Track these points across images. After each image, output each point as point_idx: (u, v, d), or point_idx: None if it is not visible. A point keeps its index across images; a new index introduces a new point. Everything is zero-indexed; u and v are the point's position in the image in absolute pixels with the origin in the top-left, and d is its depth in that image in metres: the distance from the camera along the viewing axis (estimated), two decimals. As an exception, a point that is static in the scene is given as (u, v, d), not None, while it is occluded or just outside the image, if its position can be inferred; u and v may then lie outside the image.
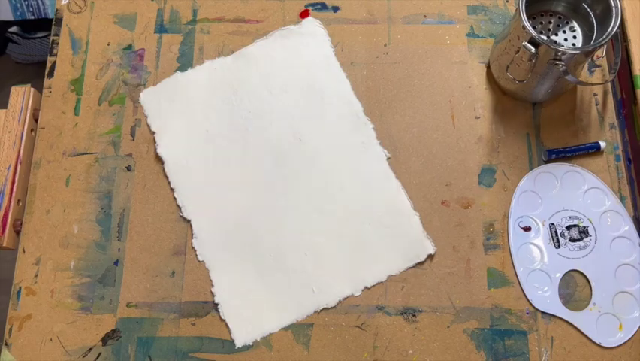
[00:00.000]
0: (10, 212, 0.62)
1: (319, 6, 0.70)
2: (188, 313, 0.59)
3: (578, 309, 0.58)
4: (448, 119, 0.65)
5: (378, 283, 0.59)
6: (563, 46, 0.56)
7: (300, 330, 0.58)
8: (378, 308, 0.58)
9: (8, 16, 1.22)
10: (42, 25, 1.26)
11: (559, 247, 0.59)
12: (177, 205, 0.62)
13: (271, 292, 0.59)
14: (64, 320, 0.59)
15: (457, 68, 0.67)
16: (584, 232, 0.60)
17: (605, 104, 0.65)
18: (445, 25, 0.69)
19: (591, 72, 0.66)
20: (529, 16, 0.56)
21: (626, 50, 0.64)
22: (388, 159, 0.63)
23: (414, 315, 0.58)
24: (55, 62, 0.68)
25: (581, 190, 0.62)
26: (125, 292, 0.60)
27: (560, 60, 0.55)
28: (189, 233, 0.61)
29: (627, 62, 0.64)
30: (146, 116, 0.66)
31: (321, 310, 0.58)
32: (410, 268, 0.59)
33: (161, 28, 0.70)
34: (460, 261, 0.60)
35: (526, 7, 0.56)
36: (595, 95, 0.66)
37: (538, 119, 0.64)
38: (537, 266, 0.59)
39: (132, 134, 0.65)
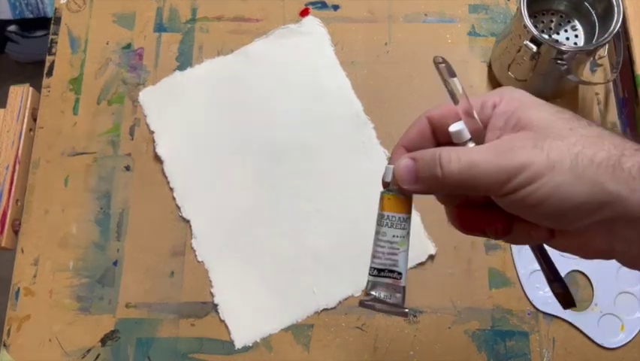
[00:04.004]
0: (9, 212, 0.61)
1: (319, 5, 0.70)
2: (187, 314, 0.58)
3: (580, 310, 0.58)
4: (448, 118, 0.64)
5: (378, 284, 0.59)
6: (564, 45, 0.55)
7: (300, 331, 0.58)
8: (379, 309, 0.58)
9: (7, 15, 1.21)
10: (41, 24, 1.26)
11: (560, 247, 0.59)
12: (176, 205, 0.62)
13: (271, 292, 0.59)
14: (63, 321, 0.59)
15: (458, 67, 0.66)
16: (585, 232, 0.60)
17: (607, 103, 0.65)
18: (446, 23, 0.68)
19: (593, 71, 0.66)
20: (531, 15, 0.55)
21: (628, 49, 0.64)
22: (389, 158, 0.63)
23: (414, 316, 0.58)
24: (53, 61, 0.68)
25: (582, 190, 0.61)
26: (124, 293, 0.59)
27: (561, 59, 0.55)
28: (188, 233, 0.61)
29: (629, 61, 0.63)
30: (145, 116, 0.65)
31: (321, 311, 0.58)
32: (411, 268, 0.59)
33: (160, 27, 0.69)
34: (461, 261, 0.59)
35: (527, 5, 0.55)
36: (597, 94, 0.65)
37: (539, 118, 0.64)
38: (538, 267, 0.59)
39: (131, 133, 0.65)
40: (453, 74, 0.34)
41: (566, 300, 0.37)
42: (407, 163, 0.33)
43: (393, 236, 0.33)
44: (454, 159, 0.31)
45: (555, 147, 0.29)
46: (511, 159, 0.29)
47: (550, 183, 0.28)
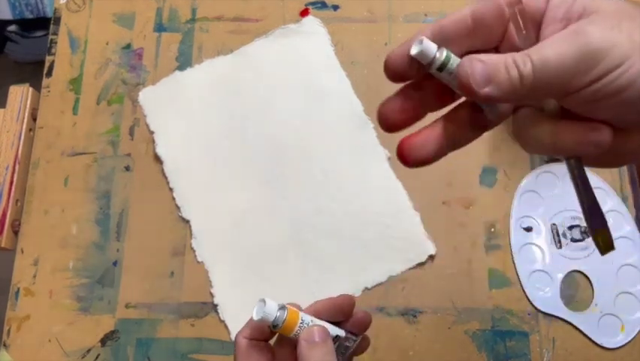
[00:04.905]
0: (9, 212, 0.61)
1: (319, 5, 0.70)
2: (187, 314, 0.58)
3: (580, 310, 0.58)
4: (448, 118, 0.64)
5: (378, 284, 0.58)
6: (564, 45, 0.55)
7: (300, 331, 0.58)
8: (379, 309, 0.58)
9: (7, 15, 1.21)
10: (41, 24, 1.26)
11: (560, 247, 0.59)
12: (176, 205, 0.62)
13: (271, 293, 0.58)
14: (63, 321, 0.59)
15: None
16: (585, 233, 0.60)
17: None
18: (445, 23, 0.68)
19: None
20: (531, 15, 0.55)
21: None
22: (389, 158, 0.63)
23: (414, 316, 0.58)
24: (53, 62, 0.68)
25: (582, 190, 0.61)
26: (124, 293, 0.59)
27: (561, 59, 0.55)
28: (188, 233, 0.61)
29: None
30: (145, 116, 0.65)
31: (321, 311, 0.58)
32: (411, 268, 0.59)
33: (160, 27, 0.69)
34: (461, 261, 0.59)
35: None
36: (597, 94, 0.65)
37: (539, 118, 0.64)
38: (538, 267, 0.59)
39: (131, 133, 0.65)
40: None
41: (605, 242, 0.31)
42: (477, 64, 0.29)
43: None
44: (527, 60, 0.28)
45: (635, 28, 0.27)
46: (588, 44, 0.26)
47: (637, 65, 0.26)
